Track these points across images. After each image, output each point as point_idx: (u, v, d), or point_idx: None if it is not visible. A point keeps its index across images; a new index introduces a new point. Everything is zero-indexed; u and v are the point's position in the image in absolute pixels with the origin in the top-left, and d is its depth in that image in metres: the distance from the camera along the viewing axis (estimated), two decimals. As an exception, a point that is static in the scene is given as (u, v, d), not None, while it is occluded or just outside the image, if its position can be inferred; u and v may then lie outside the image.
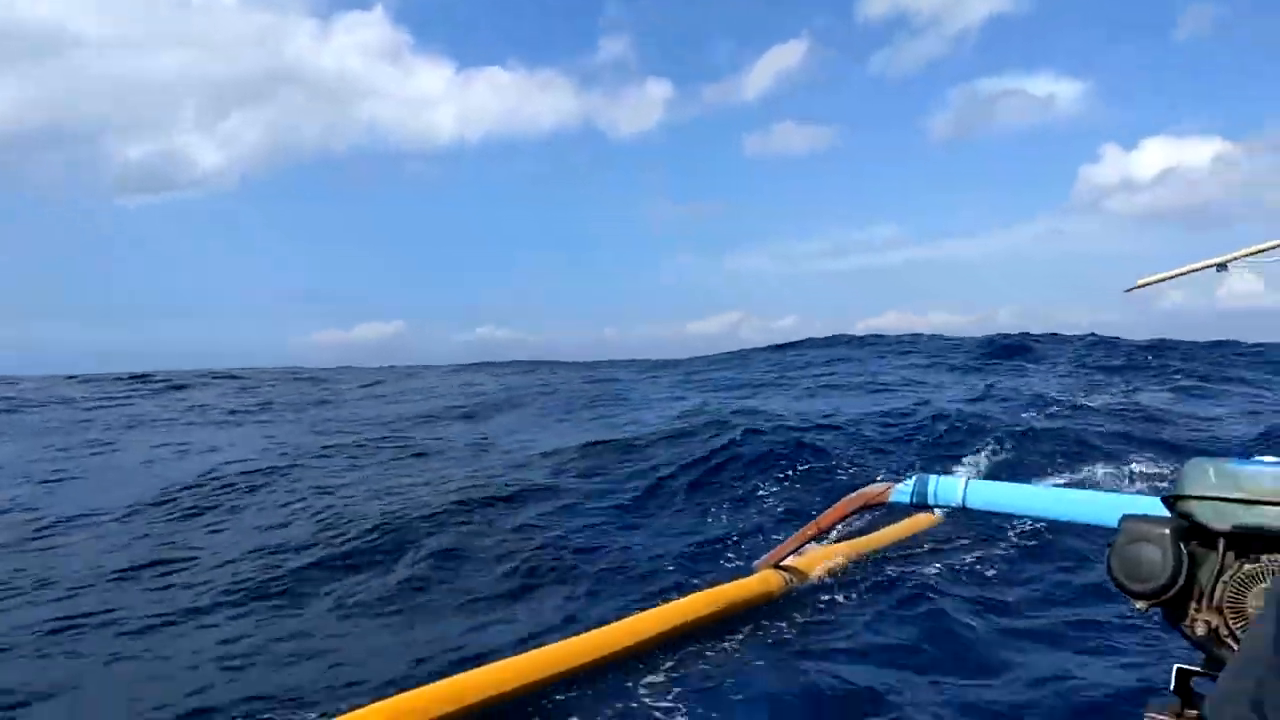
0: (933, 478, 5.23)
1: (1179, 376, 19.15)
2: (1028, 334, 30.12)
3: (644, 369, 27.29)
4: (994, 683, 4.00)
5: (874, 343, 31.78)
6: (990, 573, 6.17)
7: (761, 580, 5.89)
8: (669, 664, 4.38)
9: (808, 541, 6.09)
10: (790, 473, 9.07)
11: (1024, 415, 12.46)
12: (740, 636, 4.85)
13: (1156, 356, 23.10)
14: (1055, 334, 30.93)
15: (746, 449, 9.75)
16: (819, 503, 7.56)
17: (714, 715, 3.75)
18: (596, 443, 11.18)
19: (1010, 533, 7.12)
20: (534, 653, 4.43)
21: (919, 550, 6.84)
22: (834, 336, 34.87)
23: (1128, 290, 3.95)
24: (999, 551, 6.73)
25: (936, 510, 7.75)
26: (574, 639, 4.54)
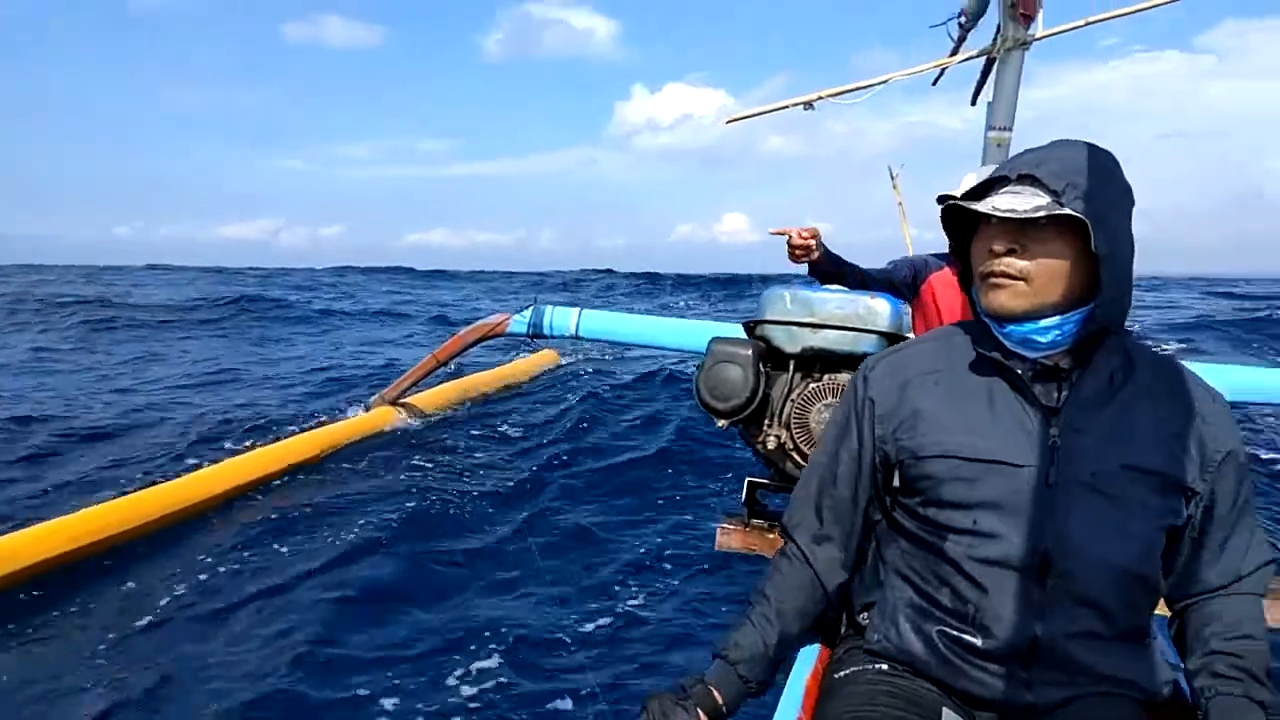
0: (549, 308, 5.25)
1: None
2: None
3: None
4: (592, 509, 4.21)
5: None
6: (596, 410, 6.47)
7: (376, 416, 5.62)
8: (269, 505, 4.02)
9: (427, 374, 5.90)
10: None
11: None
12: (347, 469, 4.59)
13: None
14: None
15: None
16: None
17: (309, 550, 3.48)
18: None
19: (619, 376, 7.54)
20: (127, 498, 3.77)
21: (535, 388, 6.99)
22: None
23: (727, 121, 4.12)
24: (607, 388, 7.08)
25: (557, 345, 7.99)
26: (162, 486, 3.95)
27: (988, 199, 1.26)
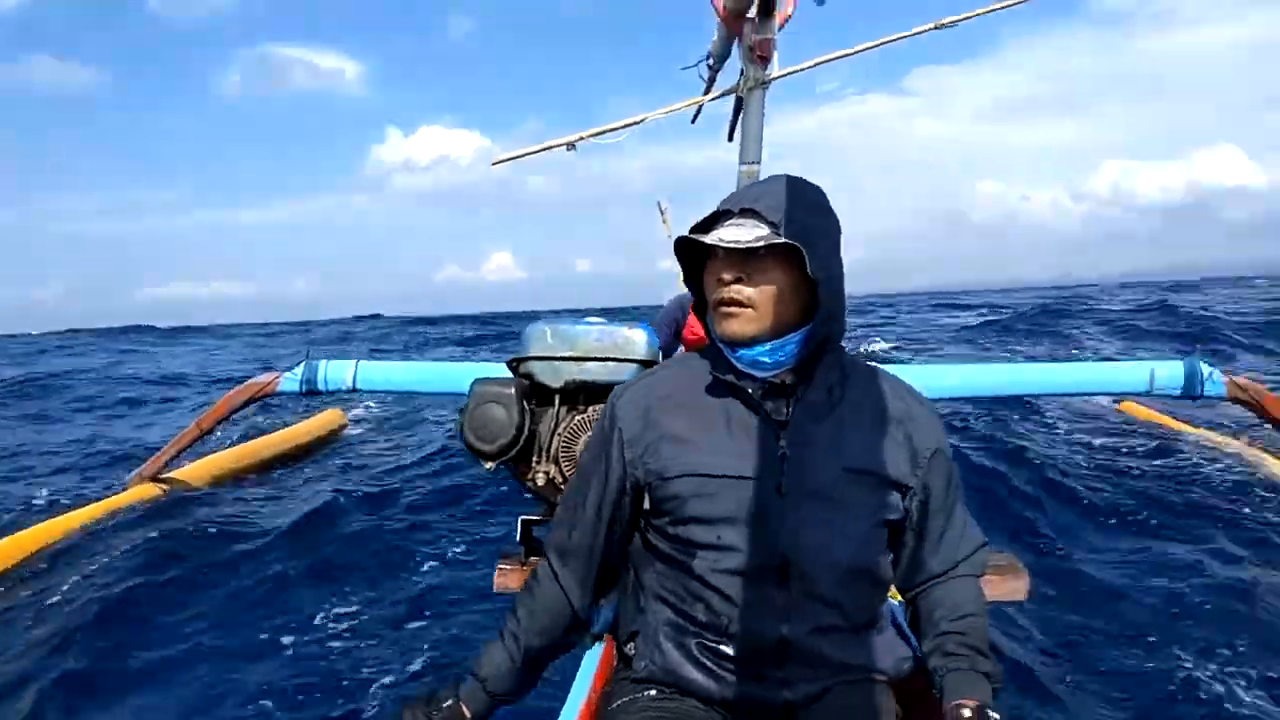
0: (322, 362, 4.96)
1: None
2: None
3: None
4: (372, 561, 4.02)
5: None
6: (388, 465, 6.20)
7: (132, 496, 5.06)
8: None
9: (190, 444, 5.40)
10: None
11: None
12: (102, 560, 4.08)
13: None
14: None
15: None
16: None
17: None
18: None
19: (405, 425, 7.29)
20: None
21: (322, 450, 6.58)
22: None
23: (493, 164, 4.11)
24: (394, 442, 6.81)
25: (336, 401, 7.58)
26: None
27: (714, 231, 1.33)
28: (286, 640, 3.15)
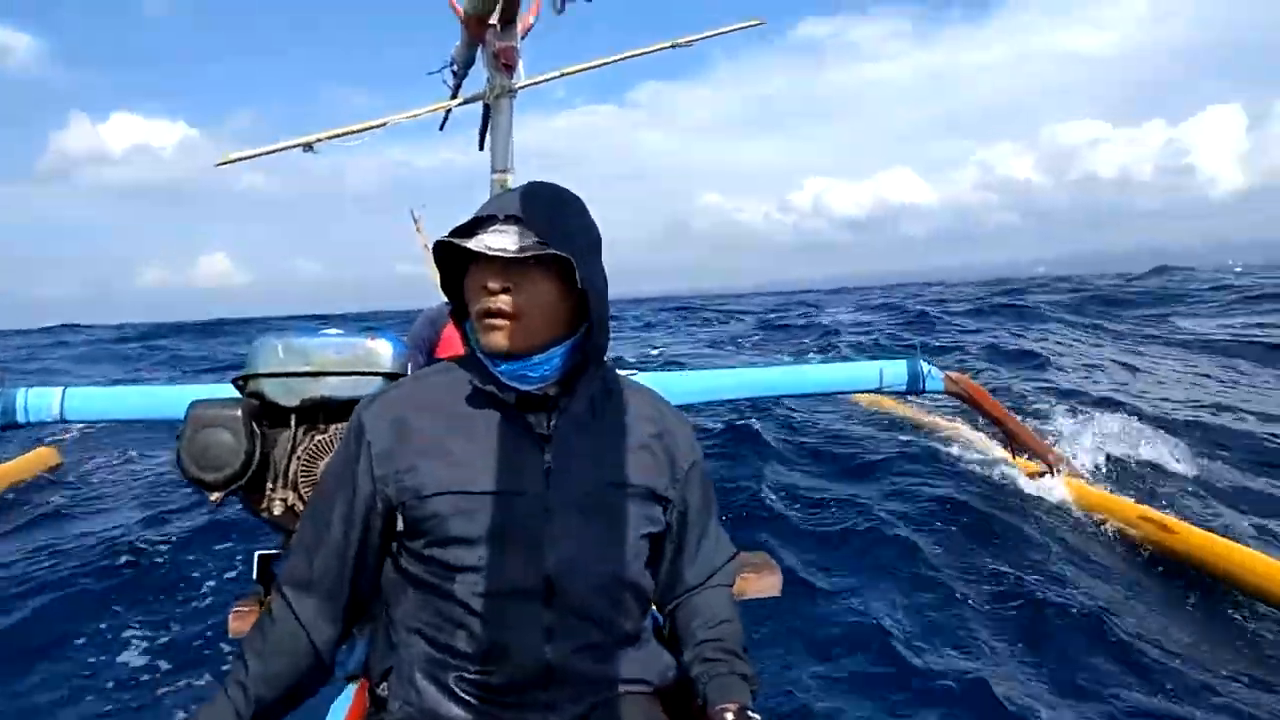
0: (21, 391, 4.28)
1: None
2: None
3: None
4: (83, 621, 3.55)
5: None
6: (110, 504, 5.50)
7: None
8: None
9: None
10: None
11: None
12: None
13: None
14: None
15: None
16: None
17: None
18: None
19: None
20: None
21: (34, 493, 5.70)
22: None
23: (218, 164, 3.77)
24: (117, 480, 6.06)
25: (41, 434, 6.62)
26: None
27: (478, 238, 1.26)
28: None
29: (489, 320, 1.27)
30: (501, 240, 1.25)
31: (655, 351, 14.71)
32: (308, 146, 3.82)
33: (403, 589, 1.32)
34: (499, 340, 1.27)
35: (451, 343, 3.01)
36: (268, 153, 3.82)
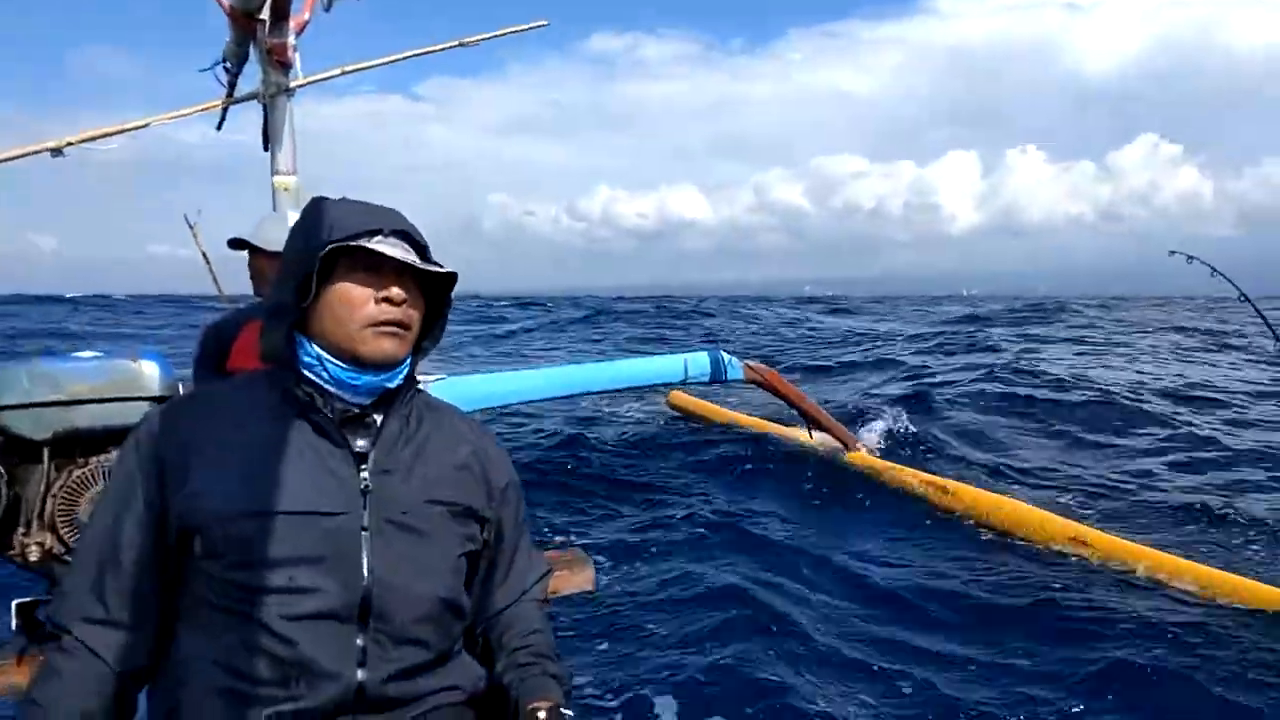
0: None
1: None
2: None
3: None
4: None
5: None
6: None
7: None
8: None
9: None
10: None
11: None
12: None
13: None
14: None
15: None
16: None
17: None
18: None
19: None
20: None
21: None
22: None
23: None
24: None
25: None
26: None
27: (382, 247, 1.23)
28: None
29: (389, 329, 1.25)
30: (403, 254, 1.24)
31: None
32: (56, 151, 3.45)
33: (193, 617, 1.23)
34: (394, 350, 1.26)
35: (245, 354, 2.82)
36: (13, 158, 3.41)
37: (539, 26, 3.90)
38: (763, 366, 5.30)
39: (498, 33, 3.81)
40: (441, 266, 1.29)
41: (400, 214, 1.31)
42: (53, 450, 1.92)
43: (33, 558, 1.89)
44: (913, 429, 6.30)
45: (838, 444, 5.35)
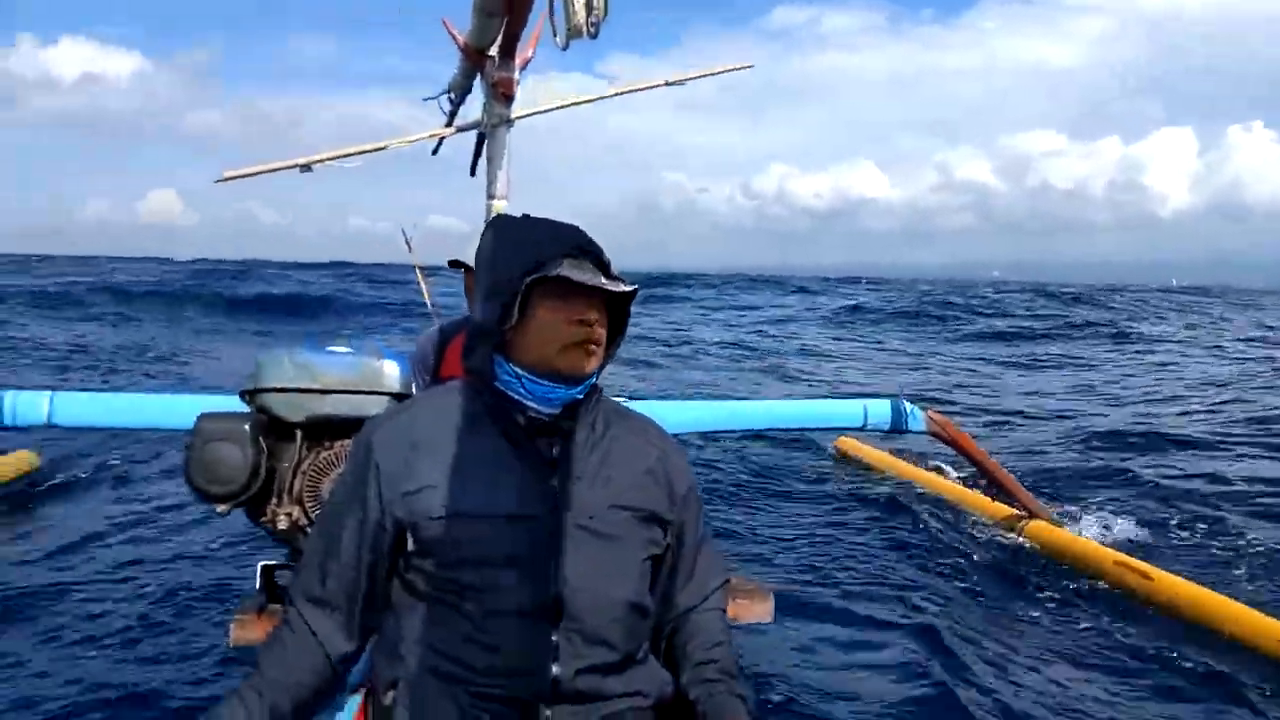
0: (10, 394, 4.24)
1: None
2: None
3: None
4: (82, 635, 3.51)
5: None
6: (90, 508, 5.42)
7: None
8: None
9: None
10: None
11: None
12: None
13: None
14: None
15: None
16: None
17: None
18: None
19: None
20: None
21: (12, 498, 5.59)
22: None
23: (217, 181, 3.82)
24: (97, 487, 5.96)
25: (24, 440, 6.50)
26: None
27: (565, 269, 1.32)
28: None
29: (589, 347, 1.35)
30: (586, 274, 1.33)
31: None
32: (305, 167, 3.88)
33: (411, 604, 1.35)
34: (590, 366, 1.36)
35: (454, 364, 3.05)
36: (265, 171, 3.87)
37: (744, 69, 4.02)
38: (945, 419, 5.09)
39: (704, 73, 3.97)
40: (626, 285, 1.37)
41: (582, 231, 1.39)
42: (304, 432, 2.15)
43: (281, 526, 2.12)
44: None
45: (1019, 511, 5.00)
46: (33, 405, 4.13)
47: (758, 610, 2.28)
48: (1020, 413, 9.54)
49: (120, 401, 4.33)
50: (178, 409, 3.57)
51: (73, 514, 5.26)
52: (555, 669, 1.30)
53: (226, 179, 3.81)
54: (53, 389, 4.21)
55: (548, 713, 1.30)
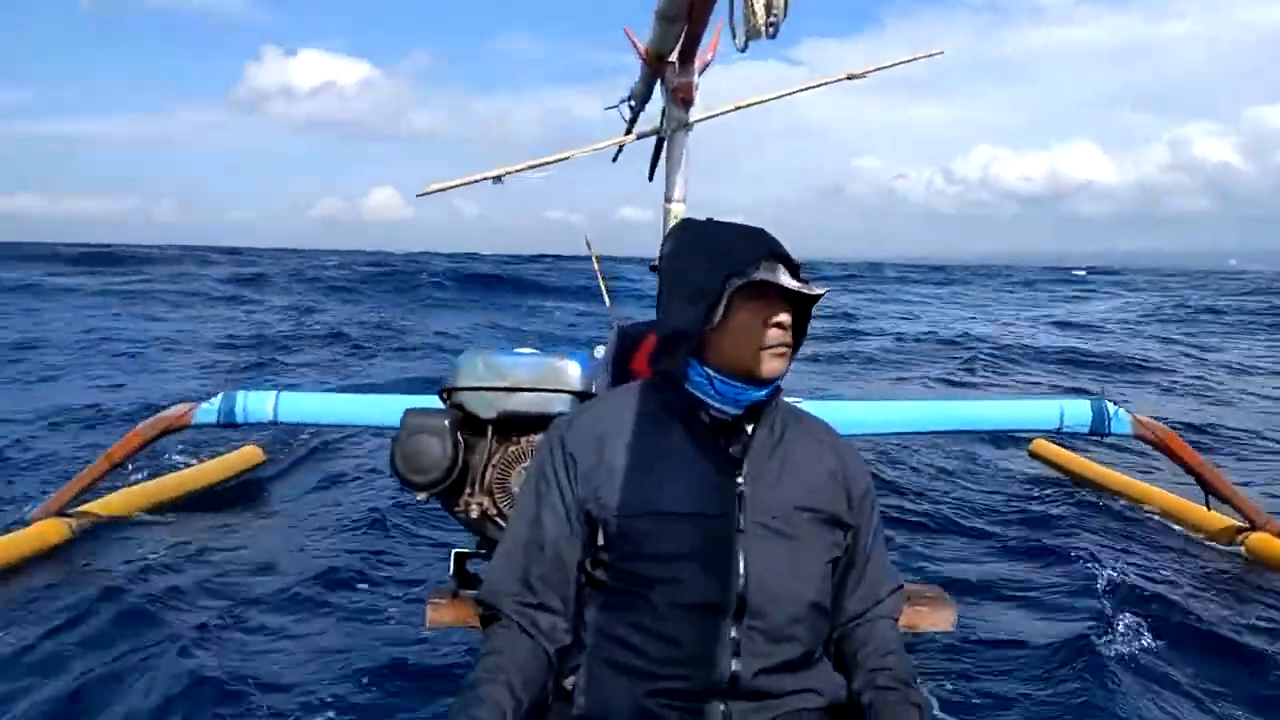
0: (241, 393, 4.82)
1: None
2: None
3: None
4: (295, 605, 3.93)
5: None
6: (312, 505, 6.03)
7: (38, 533, 4.77)
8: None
9: (99, 478, 5.15)
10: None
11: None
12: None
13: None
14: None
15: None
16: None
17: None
18: None
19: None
20: None
21: (240, 489, 6.32)
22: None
23: (419, 195, 4.15)
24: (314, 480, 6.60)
25: (253, 436, 7.29)
26: None
27: (760, 274, 1.36)
28: (208, 692, 3.01)
29: (780, 349, 1.39)
30: (783, 279, 1.37)
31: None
32: (497, 179, 4.13)
33: (596, 595, 1.41)
34: (783, 368, 1.40)
35: (639, 364, 3.14)
36: (463, 184, 4.16)
37: (934, 55, 3.87)
38: (1154, 421, 4.64)
39: (887, 64, 3.85)
40: (819, 289, 1.38)
41: (769, 234, 1.41)
42: (495, 428, 2.31)
43: (473, 515, 2.29)
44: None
45: (1240, 522, 4.50)
46: (260, 403, 4.66)
47: (938, 618, 2.21)
48: None
49: (336, 401, 4.79)
50: (385, 407, 3.91)
51: (291, 501, 5.84)
52: (735, 665, 1.33)
53: (428, 193, 4.11)
54: (278, 390, 4.71)
55: (723, 708, 1.33)
